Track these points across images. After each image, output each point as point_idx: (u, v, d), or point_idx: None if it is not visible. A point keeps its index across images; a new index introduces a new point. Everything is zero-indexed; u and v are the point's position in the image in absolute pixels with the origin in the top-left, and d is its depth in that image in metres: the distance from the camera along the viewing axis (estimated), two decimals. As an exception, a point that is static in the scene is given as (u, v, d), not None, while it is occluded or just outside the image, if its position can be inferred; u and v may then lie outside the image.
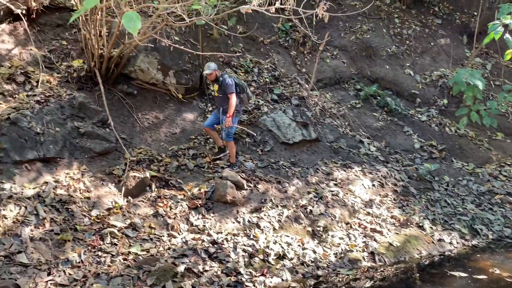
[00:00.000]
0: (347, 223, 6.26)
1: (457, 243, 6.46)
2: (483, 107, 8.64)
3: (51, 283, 4.15)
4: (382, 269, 5.56)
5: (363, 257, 5.67)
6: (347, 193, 6.85)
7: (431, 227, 6.60)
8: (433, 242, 6.32)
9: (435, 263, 5.92)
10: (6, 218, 4.62)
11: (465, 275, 5.40)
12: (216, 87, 6.51)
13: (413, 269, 5.67)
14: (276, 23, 10.05)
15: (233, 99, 6.33)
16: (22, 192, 4.99)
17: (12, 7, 6.53)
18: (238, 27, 9.17)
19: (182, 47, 5.92)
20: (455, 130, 9.31)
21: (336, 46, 10.21)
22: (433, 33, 11.12)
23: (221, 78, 6.42)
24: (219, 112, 6.62)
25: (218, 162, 6.67)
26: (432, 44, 10.91)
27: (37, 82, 6.28)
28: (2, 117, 5.53)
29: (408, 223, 6.55)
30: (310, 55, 9.81)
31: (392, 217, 6.64)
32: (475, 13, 11.48)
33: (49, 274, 4.25)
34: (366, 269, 5.49)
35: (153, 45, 6.84)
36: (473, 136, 9.29)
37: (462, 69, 8.36)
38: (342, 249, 5.72)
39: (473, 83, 7.86)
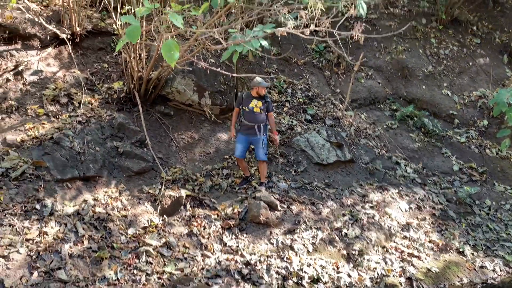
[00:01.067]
0: (383, 247, 6.11)
1: (501, 270, 6.17)
2: (526, 128, 8.33)
3: (88, 300, 4.23)
4: (420, 296, 5.37)
5: (400, 282, 5.50)
6: (383, 216, 6.70)
7: (472, 253, 6.34)
8: (474, 269, 6.06)
9: (477, 291, 5.67)
10: (47, 234, 4.77)
11: (510, 305, 5.14)
12: (259, 103, 6.36)
13: (453, 297, 5.45)
14: (310, 44, 10.11)
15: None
16: (63, 209, 5.15)
17: (58, 32, 6.88)
18: (272, 48, 9.28)
19: (218, 69, 6.02)
20: (496, 152, 8.98)
21: (371, 66, 10.15)
22: (472, 53, 10.88)
23: (267, 98, 6.48)
24: (256, 133, 6.37)
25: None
26: (470, 64, 10.67)
27: (79, 103, 6.54)
28: (46, 137, 5.77)
29: (448, 248, 6.32)
30: (344, 76, 9.78)
31: (430, 241, 6.43)
32: (516, 32, 11.19)
33: (86, 291, 4.34)
34: (403, 296, 5.32)
35: (190, 68, 7.01)
36: (516, 159, 8.94)
37: (503, 89, 8.10)
38: (378, 274, 5.57)
39: (515, 104, 7.60)
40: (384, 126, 9.06)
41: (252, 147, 6.76)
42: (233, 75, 6.63)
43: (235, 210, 6.03)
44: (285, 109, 8.33)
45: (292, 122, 8.08)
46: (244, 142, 6.47)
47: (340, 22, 4.98)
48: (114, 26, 7.16)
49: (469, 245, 6.51)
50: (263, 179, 6.59)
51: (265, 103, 6.40)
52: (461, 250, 6.34)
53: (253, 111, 6.36)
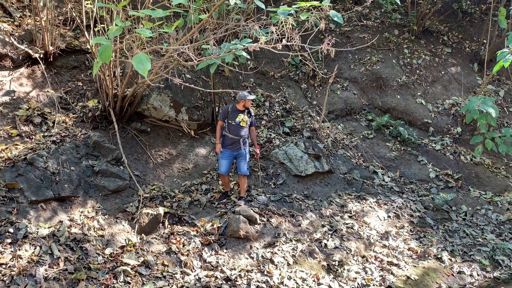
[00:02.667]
0: (363, 257, 6.15)
1: (478, 275, 6.27)
2: (498, 134, 8.55)
3: (64, 324, 4.14)
4: (400, 304, 5.40)
5: (380, 291, 5.54)
6: (362, 225, 6.75)
7: (450, 259, 6.43)
8: (452, 275, 6.14)
9: (456, 297, 5.74)
10: (21, 258, 4.66)
11: (488, 309, 5.22)
12: (246, 117, 6.34)
13: (433, 303, 5.50)
14: (286, 57, 10.23)
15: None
16: (37, 231, 5.05)
17: (30, 51, 6.82)
18: (248, 63, 9.36)
19: (193, 85, 6.05)
20: (471, 158, 9.18)
21: (346, 78, 10.31)
22: (444, 62, 11.16)
23: (251, 112, 6.49)
24: (240, 147, 6.35)
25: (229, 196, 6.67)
26: (442, 72, 10.94)
27: (53, 122, 6.46)
28: (19, 158, 5.68)
29: (426, 255, 6.39)
30: (321, 88, 9.92)
31: (409, 249, 6.50)
32: (485, 41, 11.52)
33: (62, 315, 4.25)
34: (384, 305, 5.35)
35: (165, 84, 7.01)
36: (489, 164, 9.14)
37: (474, 97, 8.33)
38: (358, 284, 5.59)
39: (485, 111, 7.82)
40: (361, 136, 9.19)
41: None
42: (209, 91, 6.67)
43: (215, 226, 6.00)
44: (263, 122, 8.38)
45: (270, 135, 8.14)
46: (229, 157, 6.41)
47: (312, 36, 5.07)
48: (88, 45, 7.14)
49: (447, 251, 6.60)
50: (243, 194, 6.58)
51: (250, 117, 6.44)
52: (439, 256, 6.42)
53: (240, 125, 6.31)
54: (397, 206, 7.46)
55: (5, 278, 4.39)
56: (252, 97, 6.33)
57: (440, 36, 11.79)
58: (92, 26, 6.61)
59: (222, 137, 6.46)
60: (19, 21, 7.38)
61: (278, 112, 8.73)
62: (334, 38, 4.68)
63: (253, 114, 6.52)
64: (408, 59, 10.92)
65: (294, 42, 4.32)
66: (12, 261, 4.60)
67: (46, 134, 6.24)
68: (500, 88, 10.80)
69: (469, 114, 8.08)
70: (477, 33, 11.99)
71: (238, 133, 6.33)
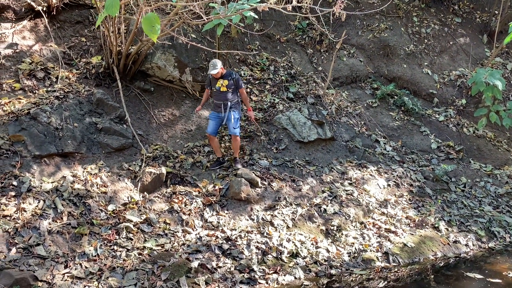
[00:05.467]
0: (361, 223, 6.24)
1: (473, 245, 6.38)
2: (502, 107, 8.50)
3: (67, 276, 4.24)
4: (396, 269, 5.52)
5: (377, 257, 5.65)
6: (361, 193, 6.82)
7: (446, 229, 6.53)
8: (448, 244, 6.25)
9: (450, 265, 5.85)
10: (25, 211, 4.72)
11: (481, 276, 5.33)
12: (225, 82, 6.31)
13: (427, 270, 5.61)
14: (293, 21, 10.03)
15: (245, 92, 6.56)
16: (41, 186, 5.09)
17: (33, 4, 6.66)
18: (255, 25, 9.18)
19: (199, 44, 5.94)
20: (473, 130, 9.17)
21: (353, 44, 10.14)
22: (453, 32, 10.95)
23: (231, 73, 6.39)
24: (223, 111, 6.34)
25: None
26: (451, 43, 10.75)
27: (57, 78, 6.39)
28: (22, 112, 5.65)
29: (424, 224, 6.49)
30: (327, 54, 9.77)
31: (407, 217, 6.59)
32: (496, 12, 11.27)
33: (66, 267, 4.35)
34: (379, 270, 5.46)
35: (170, 43, 6.89)
36: (491, 137, 9.14)
37: (482, 69, 8.22)
38: (355, 249, 5.70)
39: (492, 83, 7.74)
40: (365, 105, 9.14)
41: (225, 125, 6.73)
42: (215, 51, 6.56)
43: (216, 187, 6.06)
44: (267, 86, 8.30)
45: (274, 100, 8.08)
46: (216, 118, 6.42)
47: (322, -2, 4.94)
48: (92, -1, 6.98)
49: (444, 221, 6.69)
50: (236, 154, 6.56)
51: (231, 80, 6.33)
52: (436, 225, 6.51)
53: (220, 90, 6.33)
54: (397, 175, 7.50)
55: (10, 230, 4.46)
56: (213, 72, 6.16)
57: (450, 5, 11.52)
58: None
59: (212, 101, 6.55)
60: (21, -29, 7.17)
61: (282, 77, 8.63)
62: (344, 2, 4.55)
63: (236, 76, 6.39)
64: (417, 28, 10.71)
65: (306, 3, 4.20)
66: (16, 213, 4.66)
67: (49, 89, 6.19)
68: (508, 61, 10.65)
69: (475, 86, 7.99)
70: (489, 3, 11.71)
71: (220, 98, 6.36)
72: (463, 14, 11.50)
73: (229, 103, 6.35)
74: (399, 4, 10.87)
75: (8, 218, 4.59)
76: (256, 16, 5.37)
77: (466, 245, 6.34)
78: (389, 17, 10.64)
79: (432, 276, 5.44)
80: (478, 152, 8.82)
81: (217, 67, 6.17)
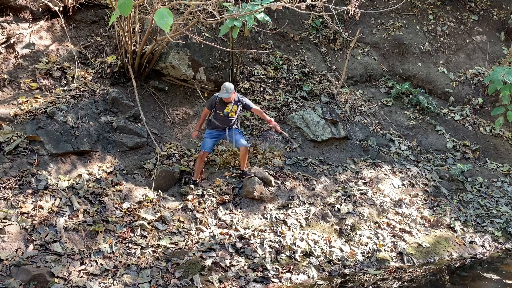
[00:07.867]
0: (375, 223, 6.19)
1: (490, 246, 6.29)
2: (520, 106, 8.36)
3: (83, 272, 4.30)
4: (410, 270, 5.47)
5: (391, 257, 5.60)
6: (376, 192, 6.77)
7: (462, 229, 6.45)
8: (464, 244, 6.17)
9: (466, 265, 5.78)
10: (42, 208, 4.79)
11: (497, 277, 5.25)
12: (235, 107, 5.97)
13: (443, 271, 5.55)
14: (307, 19, 10.00)
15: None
16: (57, 183, 5.17)
17: (50, 4, 6.75)
18: (268, 23, 9.17)
19: (212, 43, 5.96)
20: (490, 130, 9.04)
21: (367, 43, 10.07)
22: (469, 30, 10.80)
23: (241, 98, 6.02)
24: (226, 131, 6.06)
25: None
26: (467, 41, 10.61)
27: (73, 77, 6.48)
28: (39, 111, 5.74)
29: (439, 224, 6.41)
30: (341, 52, 9.72)
31: (422, 217, 6.52)
32: (514, 9, 11.10)
33: (82, 264, 4.40)
34: (394, 270, 5.42)
35: (184, 42, 6.92)
36: (509, 137, 8.99)
37: (499, 67, 8.09)
38: (369, 249, 5.66)
39: (510, 82, 7.62)
40: (379, 103, 9.07)
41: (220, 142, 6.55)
42: (228, 50, 6.57)
43: (230, 186, 6.07)
44: (281, 85, 8.30)
45: (287, 98, 8.07)
46: (216, 136, 6.13)
47: (337, -4, 4.92)
48: (107, -1, 7.05)
49: (460, 221, 6.61)
50: (243, 167, 6.19)
51: (240, 105, 6.01)
52: (451, 226, 6.44)
53: (229, 116, 6.00)
54: (412, 174, 7.43)
55: (27, 227, 4.54)
56: (225, 96, 5.76)
57: (467, 3, 11.37)
58: (111, -20, 6.49)
59: (208, 121, 6.19)
60: (38, -28, 7.28)
61: (296, 76, 8.61)
62: (359, 0, 4.52)
63: (243, 98, 6.04)
64: (432, 26, 10.58)
65: (320, 1, 4.19)
66: (34, 210, 4.74)
67: (65, 88, 6.27)
68: (526, 59, 10.46)
69: (492, 85, 7.88)
70: (507, 0, 11.51)
71: (226, 122, 6.04)
72: (480, 12, 11.33)
73: (233, 126, 6.13)
74: (414, 2, 10.75)
75: (25, 215, 4.66)
76: (268, 18, 5.34)
77: (483, 245, 6.25)
78: (404, 15, 10.53)
79: (448, 277, 5.38)
80: (495, 152, 8.69)
81: (230, 90, 5.78)
